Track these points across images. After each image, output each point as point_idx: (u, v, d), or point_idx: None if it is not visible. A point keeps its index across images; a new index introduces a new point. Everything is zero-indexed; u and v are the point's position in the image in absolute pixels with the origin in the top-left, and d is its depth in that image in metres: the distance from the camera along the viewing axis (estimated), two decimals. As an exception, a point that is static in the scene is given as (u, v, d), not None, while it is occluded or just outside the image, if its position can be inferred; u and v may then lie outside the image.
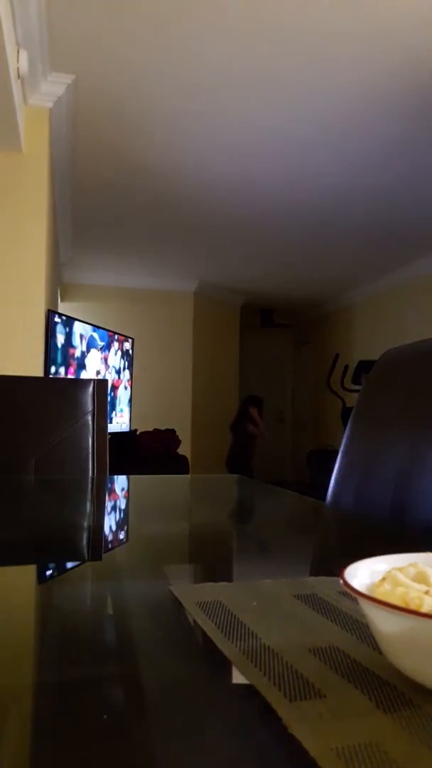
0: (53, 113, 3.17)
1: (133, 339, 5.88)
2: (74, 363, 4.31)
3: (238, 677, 0.35)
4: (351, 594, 0.34)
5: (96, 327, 4.87)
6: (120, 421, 5.43)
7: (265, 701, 0.31)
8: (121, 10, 2.51)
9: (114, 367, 5.27)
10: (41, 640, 0.44)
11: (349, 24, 2.56)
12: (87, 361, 4.60)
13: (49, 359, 3.65)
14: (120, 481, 1.48)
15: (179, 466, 5.56)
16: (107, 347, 5.08)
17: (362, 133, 3.53)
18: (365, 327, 7.38)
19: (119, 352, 5.42)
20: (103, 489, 1.34)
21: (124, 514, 1.07)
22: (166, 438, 5.81)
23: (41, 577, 0.63)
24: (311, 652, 0.38)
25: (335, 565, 0.42)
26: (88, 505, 1.16)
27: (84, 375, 4.49)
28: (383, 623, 0.33)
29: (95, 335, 4.78)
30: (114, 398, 5.26)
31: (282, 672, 0.35)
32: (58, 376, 3.92)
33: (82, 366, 4.48)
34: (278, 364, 9.45)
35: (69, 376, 4.16)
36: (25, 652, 0.41)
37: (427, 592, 0.34)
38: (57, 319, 3.89)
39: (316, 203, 4.66)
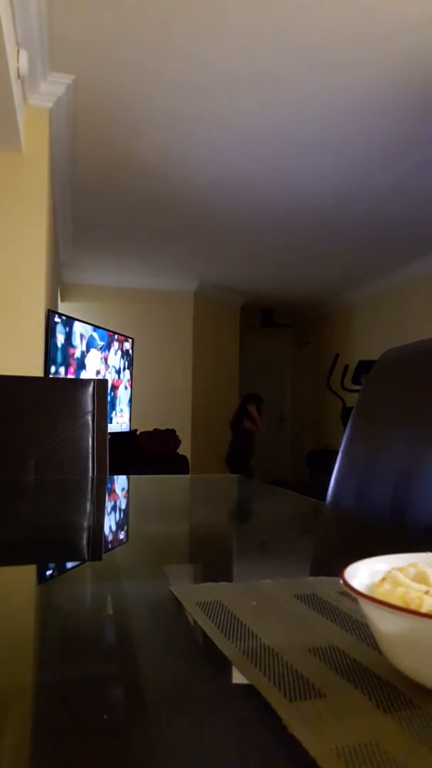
0: (53, 113, 3.17)
1: (133, 339, 5.88)
2: (74, 363, 4.31)
3: (238, 677, 0.35)
4: (351, 594, 0.34)
5: (96, 327, 4.87)
6: (120, 421, 5.43)
7: (265, 701, 0.31)
8: (122, 10, 2.51)
9: (114, 367, 5.27)
10: (41, 640, 0.44)
11: (349, 25, 2.56)
12: (87, 360, 4.60)
13: (49, 359, 3.65)
14: (120, 481, 1.48)
15: (179, 466, 5.56)
16: (107, 347, 5.08)
17: (362, 135, 3.53)
18: (365, 327, 7.38)
19: (119, 352, 5.42)
20: (103, 489, 1.34)
21: (124, 514, 1.07)
22: (166, 438, 5.81)
23: (41, 577, 0.63)
24: (311, 652, 0.38)
25: (335, 565, 0.42)
26: (88, 505, 1.16)
27: (84, 375, 4.49)
28: (383, 623, 0.33)
29: (95, 335, 4.78)
30: (114, 398, 5.26)
31: (282, 672, 0.35)
32: (58, 376, 3.91)
33: (82, 366, 4.48)
34: (278, 364, 9.45)
35: (69, 376, 4.16)
36: (25, 652, 0.41)
37: (427, 592, 0.34)
38: (57, 319, 3.89)
39: (316, 204, 4.66)
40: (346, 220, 5.00)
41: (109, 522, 0.97)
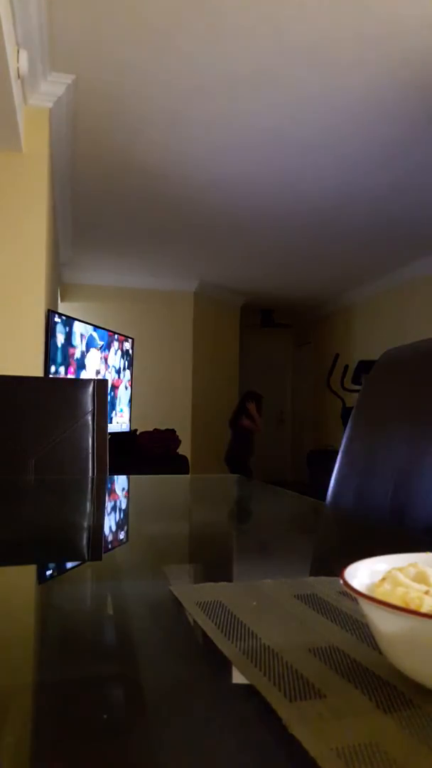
0: (53, 113, 3.17)
1: (133, 339, 5.88)
2: (74, 363, 4.31)
3: (238, 677, 0.35)
4: (351, 594, 0.34)
5: (96, 327, 4.87)
6: (120, 421, 5.43)
7: (265, 701, 0.31)
8: (122, 11, 2.51)
9: (114, 366, 5.27)
10: (41, 640, 0.44)
11: (349, 26, 2.56)
12: (86, 360, 4.60)
13: (49, 359, 3.65)
14: (120, 481, 1.48)
15: (179, 466, 5.56)
16: (107, 347, 5.08)
17: (362, 135, 3.53)
18: (365, 327, 7.38)
19: (119, 352, 5.42)
20: (103, 489, 1.34)
21: (124, 514, 1.07)
22: (166, 438, 5.81)
23: (41, 577, 0.63)
24: (311, 652, 0.38)
25: (335, 565, 0.42)
26: (88, 505, 1.16)
27: (84, 375, 4.49)
28: (383, 623, 0.33)
29: (94, 334, 4.78)
30: (114, 398, 5.26)
31: (282, 672, 0.35)
32: (58, 376, 3.92)
33: (82, 366, 4.48)
34: (278, 364, 9.45)
35: (69, 376, 4.16)
36: (25, 652, 0.41)
37: (427, 592, 0.34)
38: (57, 319, 3.89)
39: (316, 204, 4.66)
40: (346, 220, 5.00)
41: (109, 522, 0.97)
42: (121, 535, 0.85)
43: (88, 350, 4.61)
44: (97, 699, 0.34)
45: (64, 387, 1.60)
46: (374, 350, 6.29)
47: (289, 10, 2.49)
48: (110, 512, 1.08)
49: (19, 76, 2.58)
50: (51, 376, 3.73)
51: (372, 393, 1.23)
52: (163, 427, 6.02)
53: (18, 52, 2.50)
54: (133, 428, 5.82)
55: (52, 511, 1.04)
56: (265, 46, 2.73)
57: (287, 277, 7.08)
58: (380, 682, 0.34)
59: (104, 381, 1.60)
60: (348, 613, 0.45)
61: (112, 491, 1.33)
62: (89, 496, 1.24)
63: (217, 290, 7.56)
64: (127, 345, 5.63)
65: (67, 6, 2.50)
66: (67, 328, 4.13)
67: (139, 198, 4.59)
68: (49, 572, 0.65)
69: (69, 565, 0.67)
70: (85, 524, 0.93)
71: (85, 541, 0.79)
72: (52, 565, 0.68)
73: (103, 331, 4.99)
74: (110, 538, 0.82)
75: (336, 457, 1.23)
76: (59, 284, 6.29)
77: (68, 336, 4.14)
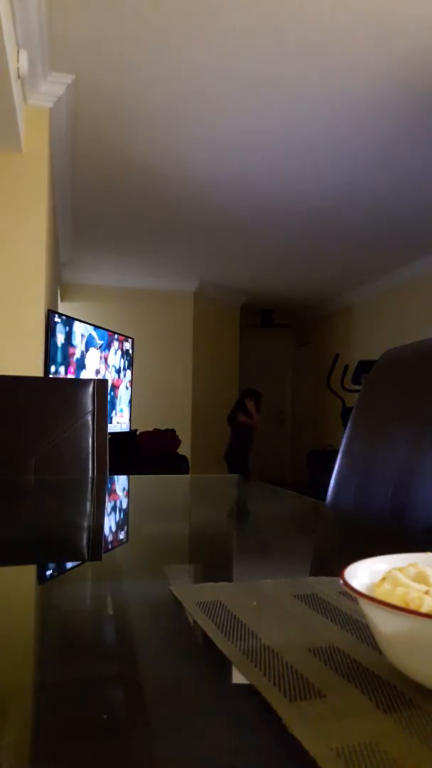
0: (53, 113, 3.17)
1: (133, 339, 5.88)
2: (74, 363, 4.31)
3: (238, 677, 0.35)
4: (351, 594, 0.34)
5: (96, 327, 4.87)
6: (120, 421, 5.43)
7: (265, 701, 0.31)
8: (122, 11, 2.51)
9: (114, 366, 5.27)
10: (41, 640, 0.44)
11: (349, 26, 2.56)
12: (86, 360, 4.60)
13: (49, 359, 3.65)
14: (120, 481, 1.48)
15: (179, 466, 5.56)
16: (107, 346, 5.08)
17: (362, 135, 3.53)
18: (365, 327, 7.38)
19: (119, 352, 5.42)
20: (103, 489, 1.34)
21: (124, 514, 1.07)
22: (166, 438, 5.81)
23: (41, 577, 0.63)
24: (311, 652, 0.38)
25: (335, 565, 0.42)
26: (88, 505, 1.16)
27: (84, 375, 4.49)
28: (383, 623, 0.33)
29: (94, 334, 4.78)
30: (114, 398, 5.26)
31: (282, 672, 0.35)
32: (58, 375, 3.92)
33: (81, 366, 4.48)
34: (278, 364, 9.45)
35: (69, 376, 4.16)
36: (25, 652, 0.41)
37: (427, 592, 0.34)
38: (57, 319, 3.89)
39: (316, 204, 4.66)
40: (346, 220, 5.00)
41: (109, 522, 0.97)
42: (121, 535, 0.85)
43: (87, 349, 4.61)
44: (97, 699, 0.34)
45: (64, 387, 1.60)
46: (374, 350, 6.29)
47: (289, 10, 2.49)
48: (110, 512, 1.08)
49: (19, 76, 2.58)
50: (51, 376, 3.73)
51: (372, 393, 1.23)
52: (163, 427, 6.02)
53: (18, 52, 2.50)
54: (133, 428, 5.82)
55: (52, 511, 1.04)
56: (265, 46, 2.73)
57: (287, 277, 7.08)
58: (380, 682, 0.34)
59: (104, 381, 1.60)
60: (348, 613, 0.45)
61: (112, 491, 1.33)
62: (89, 496, 1.24)
63: (217, 290, 7.57)
64: (127, 345, 5.63)
65: (67, 6, 2.50)
66: (67, 328, 4.13)
67: (139, 198, 4.59)
68: (49, 572, 0.65)
69: (69, 565, 0.67)
70: (85, 524, 0.93)
71: (85, 541, 0.79)
72: (52, 565, 0.68)
73: (102, 330, 4.99)
74: (110, 538, 0.82)
75: (336, 457, 1.23)
76: (59, 284, 6.29)
77: (68, 336, 4.14)
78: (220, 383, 7.73)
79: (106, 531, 0.88)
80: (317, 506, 1.14)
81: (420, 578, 0.37)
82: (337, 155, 3.82)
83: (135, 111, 3.32)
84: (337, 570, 0.37)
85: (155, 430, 5.91)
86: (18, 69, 2.50)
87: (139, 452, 5.57)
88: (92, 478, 1.48)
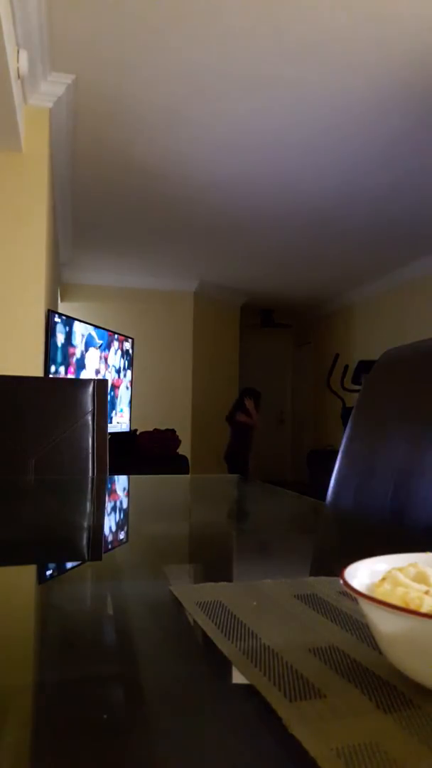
0: (53, 113, 3.17)
1: (133, 339, 5.88)
2: (74, 363, 4.31)
3: (238, 677, 0.35)
4: (351, 594, 0.34)
5: (96, 327, 4.87)
6: (120, 421, 5.43)
7: (265, 701, 0.31)
8: (122, 11, 2.51)
9: (114, 366, 5.27)
10: (41, 640, 0.44)
11: (349, 26, 2.56)
12: (86, 360, 4.60)
13: (49, 359, 3.65)
14: (120, 481, 1.48)
15: (179, 466, 5.56)
16: (107, 346, 5.08)
17: (362, 135, 3.53)
18: (365, 327, 7.38)
19: (119, 352, 5.42)
20: (103, 489, 1.34)
21: (124, 514, 1.07)
22: (166, 438, 5.81)
23: (41, 577, 0.63)
24: (311, 652, 0.38)
25: (335, 565, 0.42)
26: (88, 505, 1.16)
27: (84, 375, 4.49)
28: (383, 623, 0.33)
29: (94, 334, 4.78)
30: (114, 398, 5.26)
31: (282, 672, 0.35)
32: (58, 375, 3.92)
33: (81, 366, 4.48)
34: (278, 364, 9.45)
35: (69, 376, 4.16)
36: (25, 652, 0.41)
37: (427, 592, 0.34)
38: (57, 319, 3.89)
39: (316, 204, 4.66)
40: (346, 220, 5.00)
41: (109, 522, 0.97)
42: (121, 535, 0.85)
43: (87, 349, 4.61)
44: (97, 699, 0.34)
45: (64, 387, 1.60)
46: (374, 350, 6.30)
47: (289, 10, 2.49)
48: (110, 512, 1.08)
49: (19, 76, 2.58)
50: (51, 376, 3.73)
51: (372, 393, 1.23)
52: (163, 427, 6.02)
53: (18, 52, 2.50)
54: (133, 428, 5.82)
55: (52, 511, 1.04)
56: (265, 46, 2.73)
57: (287, 277, 7.08)
58: (380, 682, 0.34)
59: (104, 381, 1.60)
60: (348, 613, 0.45)
61: (112, 491, 1.33)
62: (89, 496, 1.24)
63: (217, 290, 7.57)
64: (127, 345, 5.63)
65: (67, 6, 2.50)
66: (67, 328, 4.13)
67: (139, 198, 4.59)
68: (49, 572, 0.65)
69: (69, 565, 0.67)
70: (85, 524, 0.93)
71: (85, 541, 0.79)
72: (52, 565, 0.68)
73: (102, 330, 4.99)
74: (110, 538, 0.82)
75: (336, 457, 1.23)
76: (59, 284, 6.29)
77: (68, 336, 4.14)
78: (220, 383, 7.73)
79: (106, 531, 0.88)
80: (317, 506, 1.14)
81: (420, 578, 0.37)
82: (337, 155, 3.82)
83: (135, 111, 3.32)
84: (337, 570, 0.37)
85: (155, 430, 5.91)
86: (18, 69, 2.50)
87: (139, 452, 5.57)
88: (92, 478, 1.48)
